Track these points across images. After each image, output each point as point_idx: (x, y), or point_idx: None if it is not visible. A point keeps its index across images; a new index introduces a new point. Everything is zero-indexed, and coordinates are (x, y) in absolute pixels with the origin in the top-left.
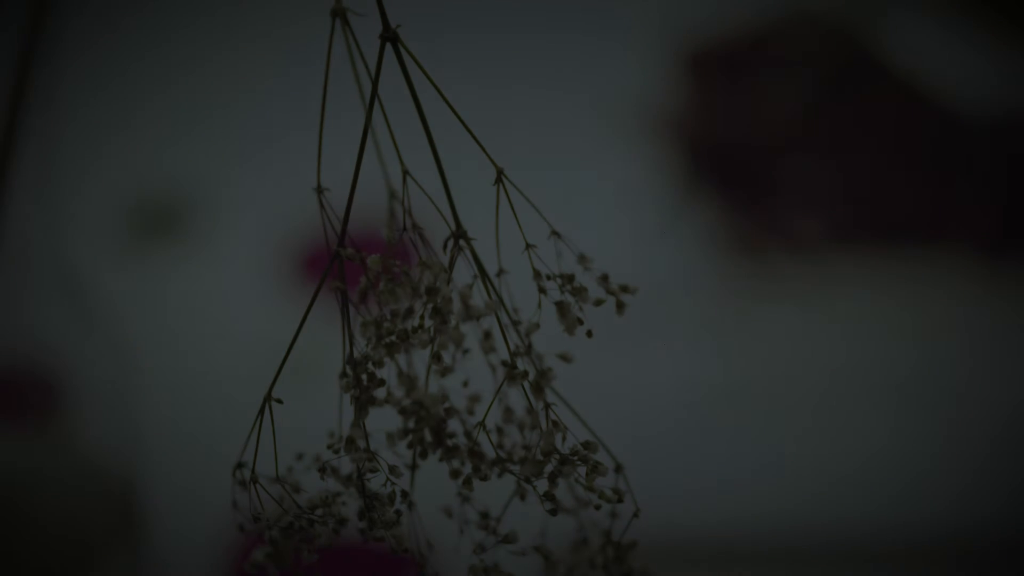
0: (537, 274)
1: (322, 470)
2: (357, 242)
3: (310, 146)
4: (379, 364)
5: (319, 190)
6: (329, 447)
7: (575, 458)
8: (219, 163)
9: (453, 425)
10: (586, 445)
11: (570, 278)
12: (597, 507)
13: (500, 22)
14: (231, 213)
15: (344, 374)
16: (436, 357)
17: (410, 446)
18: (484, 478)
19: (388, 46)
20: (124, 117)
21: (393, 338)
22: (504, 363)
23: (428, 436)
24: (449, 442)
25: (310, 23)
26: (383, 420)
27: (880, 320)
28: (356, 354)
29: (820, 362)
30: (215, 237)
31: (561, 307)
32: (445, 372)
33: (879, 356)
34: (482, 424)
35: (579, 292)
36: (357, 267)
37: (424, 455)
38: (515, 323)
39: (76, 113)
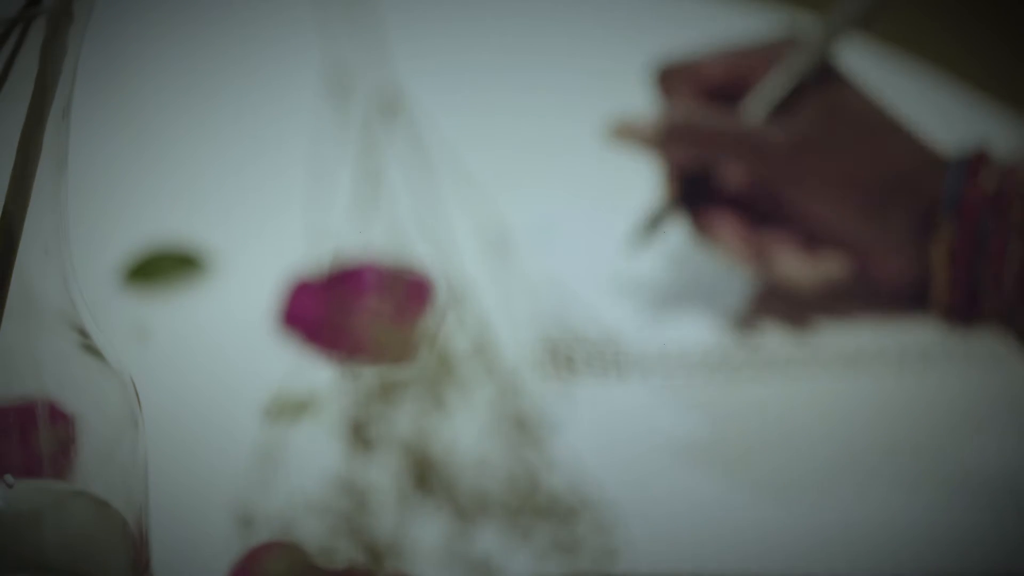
0: (542, 342)
1: (318, 513)
2: (363, 282)
3: (321, 202)
4: (382, 401)
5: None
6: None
7: (557, 510)
8: (228, 212)
9: (445, 470)
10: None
11: (567, 341)
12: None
13: (491, 55)
14: (237, 260)
15: (347, 426)
16: (433, 402)
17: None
18: (471, 520)
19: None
20: (133, 167)
21: (389, 388)
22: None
23: (417, 480)
24: (436, 486)
25: (313, 73)
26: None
27: (860, 384)
28: (354, 402)
29: (802, 419)
30: (223, 284)
31: (553, 359)
32: (436, 418)
33: (865, 416)
34: (469, 471)
35: (574, 351)
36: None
37: (415, 497)
38: (510, 386)
39: (87, 162)
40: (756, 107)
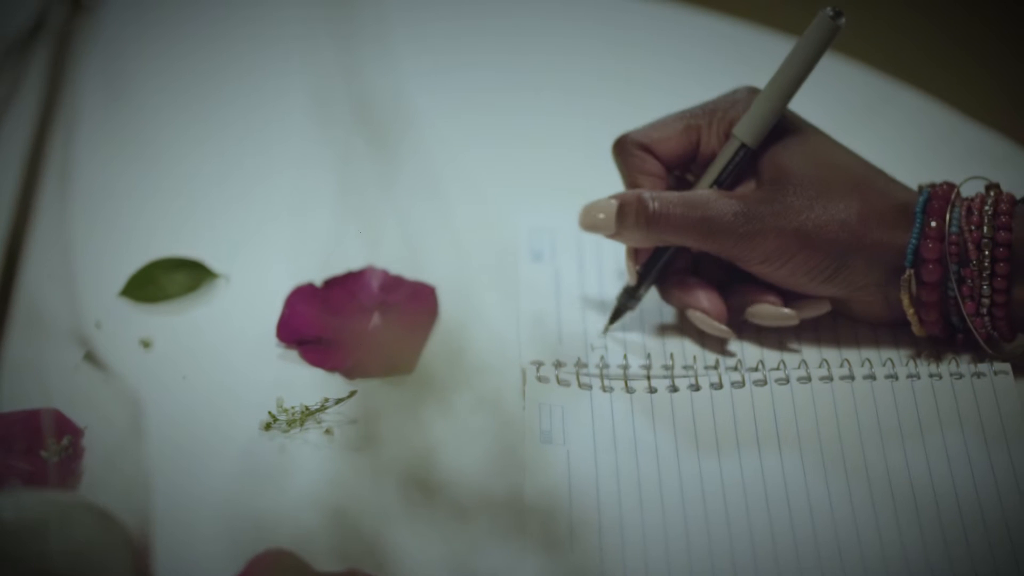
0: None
1: (319, 520)
2: (362, 293)
3: (319, 214)
4: (380, 410)
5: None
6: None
7: (543, 513)
8: (229, 226)
9: (441, 477)
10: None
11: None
12: None
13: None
14: (239, 272)
15: (346, 435)
16: (428, 411)
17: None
18: (464, 525)
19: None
20: (137, 183)
21: (386, 397)
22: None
23: (414, 487)
24: (432, 493)
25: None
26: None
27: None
28: (353, 411)
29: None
30: (225, 296)
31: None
32: (432, 425)
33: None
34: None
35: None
36: (349, 311)
37: (411, 503)
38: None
39: (91, 178)
40: (707, 180)
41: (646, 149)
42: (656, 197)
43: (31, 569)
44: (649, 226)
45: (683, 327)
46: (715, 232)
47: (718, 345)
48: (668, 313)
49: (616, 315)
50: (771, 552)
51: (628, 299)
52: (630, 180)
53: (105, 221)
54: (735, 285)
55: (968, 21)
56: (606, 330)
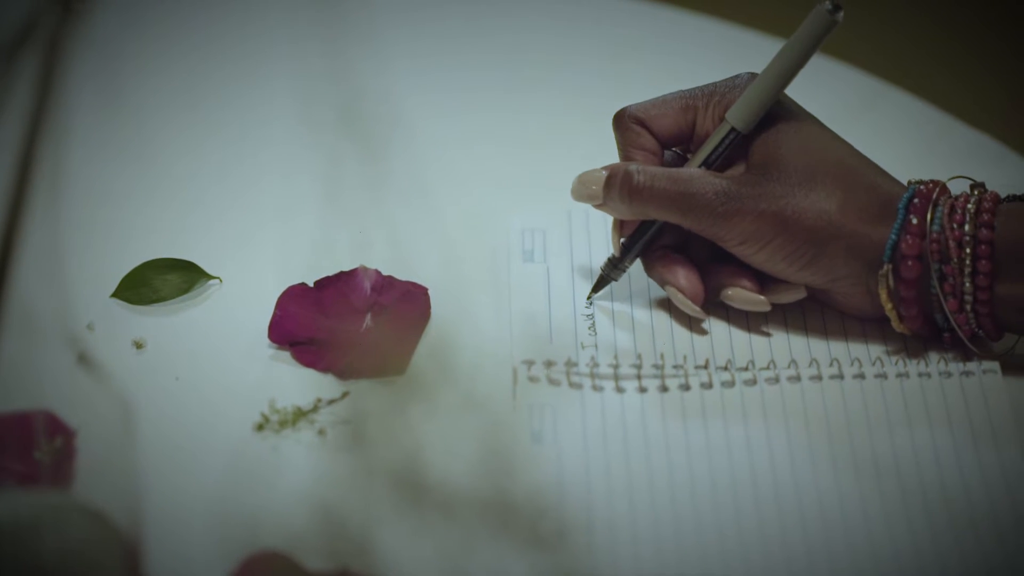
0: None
1: (311, 520)
2: (354, 294)
3: (311, 215)
4: (371, 411)
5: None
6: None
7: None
8: (224, 231)
9: (432, 477)
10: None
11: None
12: None
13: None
14: (232, 273)
15: (338, 435)
16: (420, 411)
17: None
18: (455, 524)
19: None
20: (130, 186)
21: (377, 398)
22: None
23: (405, 487)
24: (423, 492)
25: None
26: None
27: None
28: (345, 412)
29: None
30: (217, 297)
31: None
32: (424, 426)
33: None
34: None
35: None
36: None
37: (402, 503)
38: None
39: (83, 183)
40: (697, 160)
41: (643, 124)
42: (642, 170)
43: (24, 568)
44: (632, 197)
45: (673, 315)
46: (694, 208)
47: (703, 330)
48: (657, 298)
49: (599, 285)
50: (761, 550)
51: (611, 270)
52: (625, 153)
53: (98, 223)
54: (715, 265)
55: (967, 23)
56: (589, 298)
